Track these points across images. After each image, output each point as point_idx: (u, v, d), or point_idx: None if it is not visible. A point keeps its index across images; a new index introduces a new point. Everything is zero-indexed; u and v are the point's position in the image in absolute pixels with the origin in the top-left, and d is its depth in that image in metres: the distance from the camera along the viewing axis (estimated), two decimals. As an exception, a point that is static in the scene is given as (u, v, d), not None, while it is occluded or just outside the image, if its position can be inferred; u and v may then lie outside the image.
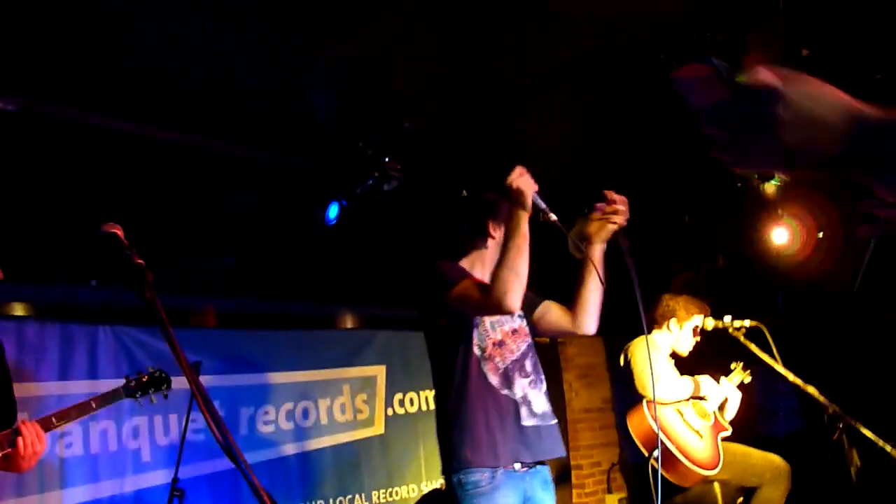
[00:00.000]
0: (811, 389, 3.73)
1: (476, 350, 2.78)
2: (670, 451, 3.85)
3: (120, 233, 1.69)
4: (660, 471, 3.82)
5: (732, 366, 4.41)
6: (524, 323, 3.04)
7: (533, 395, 2.81)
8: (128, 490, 4.22)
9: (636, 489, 4.13)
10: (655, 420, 3.89)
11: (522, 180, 2.69)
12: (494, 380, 2.75)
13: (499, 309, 2.62)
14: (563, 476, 6.57)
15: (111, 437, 4.21)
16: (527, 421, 2.74)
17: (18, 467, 2.53)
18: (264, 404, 4.88)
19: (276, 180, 4.44)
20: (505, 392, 2.74)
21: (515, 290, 2.61)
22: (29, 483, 3.87)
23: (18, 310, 4.13)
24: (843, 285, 6.13)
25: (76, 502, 4.02)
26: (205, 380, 4.34)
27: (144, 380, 2.90)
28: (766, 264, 5.92)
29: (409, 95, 3.99)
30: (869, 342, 6.52)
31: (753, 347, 3.98)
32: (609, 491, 6.67)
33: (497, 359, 2.80)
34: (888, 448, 3.67)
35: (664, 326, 4.27)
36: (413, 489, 5.51)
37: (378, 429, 5.43)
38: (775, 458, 4.20)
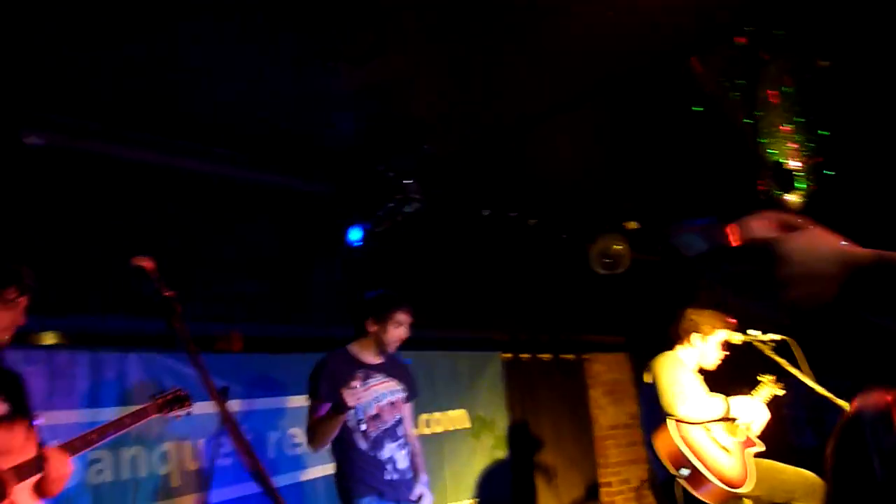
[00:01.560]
0: (842, 403, 3.69)
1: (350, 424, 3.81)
2: (698, 470, 3.80)
3: (149, 265, 1.73)
4: (684, 488, 3.78)
5: (760, 378, 4.36)
6: (402, 397, 4.07)
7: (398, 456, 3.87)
8: (159, 514, 4.25)
9: (666, 507, 4.08)
10: (682, 438, 3.86)
11: (354, 397, 3.56)
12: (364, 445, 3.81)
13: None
14: (591, 493, 6.52)
15: (141, 462, 4.24)
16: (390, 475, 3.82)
17: (47, 492, 2.57)
18: (291, 427, 4.90)
19: (299, 205, 4.49)
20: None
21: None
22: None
23: (49, 339, 4.19)
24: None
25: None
26: (232, 404, 4.38)
27: (169, 398, 2.93)
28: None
29: (429, 118, 4.04)
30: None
31: (782, 361, 3.95)
32: (639, 509, 6.61)
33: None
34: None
35: (687, 341, 4.24)
36: (442, 509, 5.50)
37: (405, 450, 5.42)
38: (807, 474, 4.14)
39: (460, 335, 5.89)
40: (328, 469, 4.97)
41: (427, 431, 5.59)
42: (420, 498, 3.89)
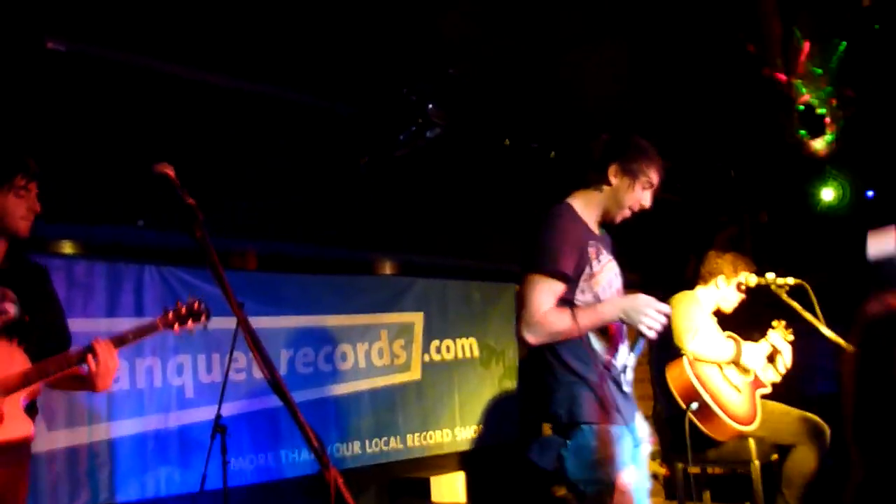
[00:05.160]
0: (850, 348, 3.68)
1: None
2: (708, 405, 3.84)
3: (171, 173, 1.71)
4: (691, 423, 3.83)
5: (774, 323, 4.37)
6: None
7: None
8: (172, 425, 4.36)
9: (670, 441, 4.14)
10: (695, 374, 3.88)
11: (645, 316, 2.66)
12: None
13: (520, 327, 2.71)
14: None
15: (156, 373, 4.33)
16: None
17: (94, 386, 2.59)
18: (303, 346, 4.97)
19: (321, 125, 4.44)
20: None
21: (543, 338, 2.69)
22: (78, 415, 4.02)
23: (67, 248, 4.23)
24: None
25: (123, 434, 4.17)
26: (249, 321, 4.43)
27: (183, 311, 2.91)
28: (812, 221, 5.82)
29: (455, 42, 3.94)
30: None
31: (796, 305, 3.94)
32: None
33: None
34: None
35: (711, 283, 4.24)
36: (447, 434, 5.61)
37: (414, 374, 5.51)
38: (813, 418, 4.17)
39: (475, 265, 5.90)
40: (338, 389, 5.09)
41: (437, 358, 5.66)
42: None
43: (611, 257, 2.92)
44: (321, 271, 5.15)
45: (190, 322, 2.87)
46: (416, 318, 5.56)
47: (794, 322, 4.20)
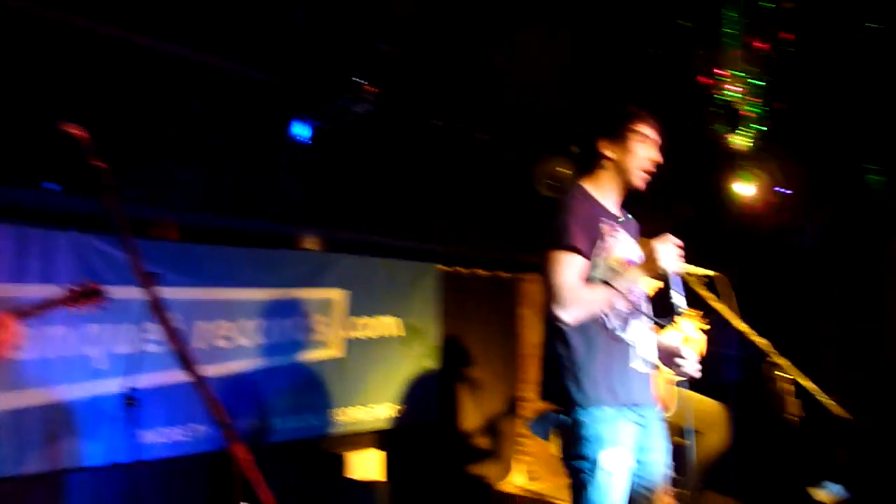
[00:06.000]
0: (759, 340, 3.83)
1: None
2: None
3: (81, 134, 1.64)
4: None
5: (687, 312, 4.49)
6: None
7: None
8: (82, 395, 4.22)
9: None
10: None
11: (668, 255, 2.67)
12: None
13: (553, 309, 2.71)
14: (512, 407, 6.73)
15: (66, 342, 4.18)
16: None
17: None
18: (222, 319, 4.88)
19: (248, 94, 4.34)
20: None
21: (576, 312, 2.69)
22: (-21, 383, 3.85)
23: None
24: (802, 239, 6.27)
25: (29, 404, 4.02)
26: (164, 292, 4.30)
27: (79, 292, 2.83)
28: (730, 216, 6.00)
29: (389, 17, 3.90)
30: (824, 296, 6.70)
31: (708, 297, 4.06)
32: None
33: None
34: (825, 400, 3.81)
35: None
36: (367, 412, 5.61)
37: (335, 351, 5.48)
38: (715, 405, 4.33)
39: (400, 243, 5.89)
40: (257, 363, 5.02)
41: (359, 335, 5.64)
42: None
43: (631, 238, 2.96)
44: (244, 244, 5.05)
45: (86, 301, 2.80)
46: (339, 295, 5.52)
47: (710, 313, 4.34)
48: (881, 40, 4.48)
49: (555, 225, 2.77)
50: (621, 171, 2.86)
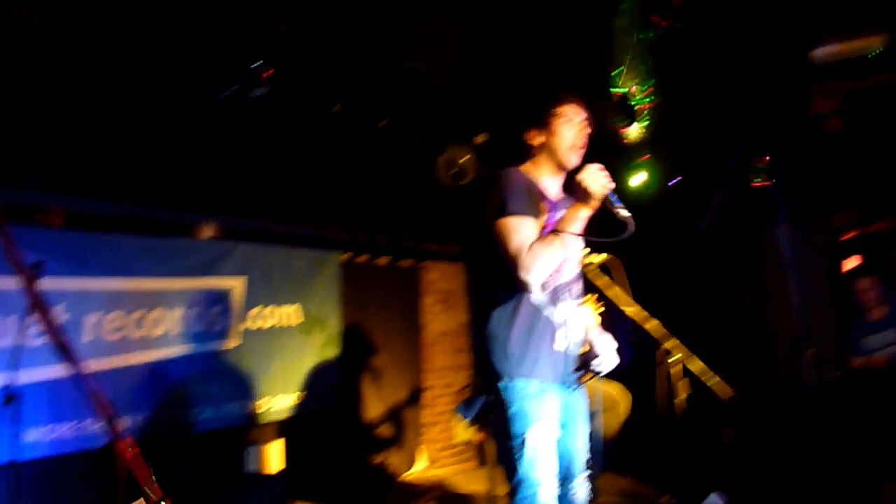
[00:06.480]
0: (649, 325, 3.99)
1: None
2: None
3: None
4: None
5: (583, 299, 4.61)
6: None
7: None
8: (-44, 393, 3.96)
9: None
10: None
11: (594, 179, 2.65)
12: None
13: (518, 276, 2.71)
14: (414, 396, 6.76)
15: (-62, 336, 3.93)
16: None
17: None
18: (113, 310, 4.69)
19: (140, 75, 4.16)
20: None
21: (539, 269, 2.69)
22: None
23: None
24: (691, 226, 6.56)
25: None
26: (50, 282, 4.09)
27: None
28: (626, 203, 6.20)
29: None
30: (711, 281, 7.03)
31: (601, 283, 4.19)
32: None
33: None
34: (711, 382, 4.00)
35: None
36: (266, 402, 5.51)
37: (233, 341, 5.35)
38: (614, 387, 4.48)
39: (300, 231, 5.81)
40: (150, 355, 4.85)
41: (258, 325, 5.53)
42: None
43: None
44: (136, 231, 4.86)
45: None
46: (237, 284, 5.40)
47: (603, 298, 4.47)
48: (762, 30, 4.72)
49: (493, 199, 2.79)
50: (552, 155, 2.92)
